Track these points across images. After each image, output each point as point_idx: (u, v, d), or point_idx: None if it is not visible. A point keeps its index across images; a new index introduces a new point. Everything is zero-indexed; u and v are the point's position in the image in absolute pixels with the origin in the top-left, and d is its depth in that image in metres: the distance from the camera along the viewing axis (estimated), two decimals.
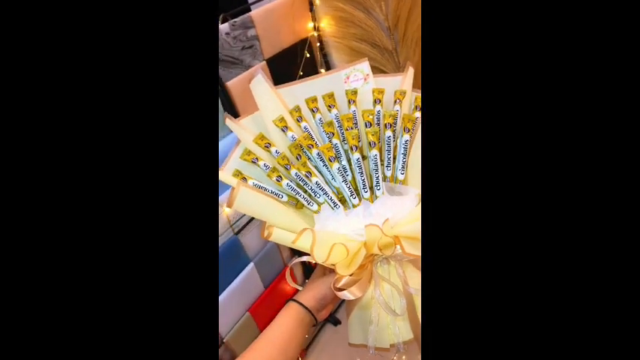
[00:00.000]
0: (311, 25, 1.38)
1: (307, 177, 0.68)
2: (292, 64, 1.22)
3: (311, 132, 0.72)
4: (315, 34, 1.32)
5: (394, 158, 0.70)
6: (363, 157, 0.70)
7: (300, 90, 0.76)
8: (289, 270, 0.75)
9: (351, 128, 0.70)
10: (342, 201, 0.70)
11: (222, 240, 1.14)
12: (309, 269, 1.48)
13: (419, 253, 0.62)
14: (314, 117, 0.73)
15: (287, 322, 0.65)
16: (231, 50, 1.07)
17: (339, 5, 1.30)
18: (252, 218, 1.20)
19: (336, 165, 0.68)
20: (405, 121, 0.69)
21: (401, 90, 0.73)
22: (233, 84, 1.04)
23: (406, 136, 0.68)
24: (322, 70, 1.32)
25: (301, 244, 0.63)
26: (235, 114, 0.99)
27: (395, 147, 0.70)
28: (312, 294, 0.68)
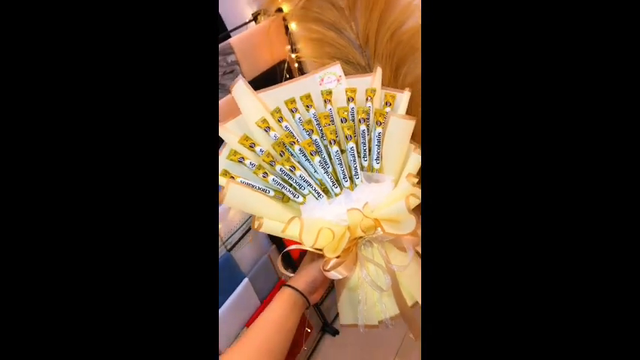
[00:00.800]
0: (288, 47, 1.47)
1: (291, 171, 0.74)
2: (273, 84, 1.35)
3: (292, 130, 0.78)
4: (293, 55, 1.41)
5: (369, 150, 0.76)
6: (342, 151, 0.76)
7: (279, 93, 0.82)
8: (280, 258, 0.80)
9: (329, 124, 0.76)
10: (325, 191, 0.75)
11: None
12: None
13: (398, 232, 0.68)
14: (293, 116, 0.79)
15: (282, 305, 0.69)
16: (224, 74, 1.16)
17: (312, 27, 1.39)
18: (244, 234, 1.25)
19: (317, 158, 0.74)
20: (377, 116, 0.76)
21: (371, 88, 0.80)
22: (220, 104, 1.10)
23: (379, 129, 0.75)
24: None
25: (290, 233, 0.68)
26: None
27: (369, 139, 0.76)
28: (303, 279, 0.73)
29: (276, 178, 0.75)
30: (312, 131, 0.76)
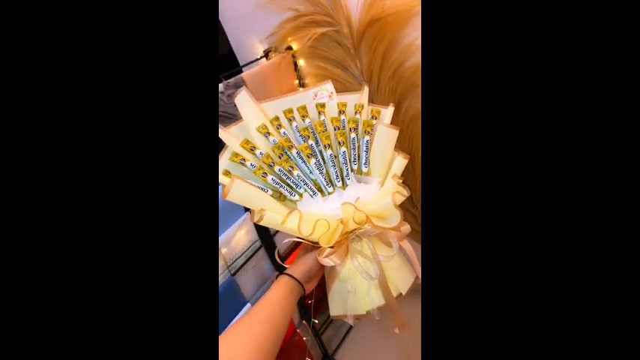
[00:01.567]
0: (296, 82, 1.57)
1: (290, 171, 0.82)
2: None
3: (289, 136, 0.86)
4: (301, 89, 1.52)
5: (358, 155, 0.86)
6: (334, 155, 0.85)
7: (277, 104, 0.91)
8: (277, 251, 0.86)
9: (323, 131, 0.86)
10: (319, 190, 0.83)
11: (220, 281, 1.22)
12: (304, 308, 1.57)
13: (385, 225, 0.76)
14: (291, 124, 0.88)
15: (281, 289, 0.75)
16: (225, 106, 1.24)
17: (319, 64, 1.50)
18: (248, 259, 1.30)
19: (313, 160, 0.82)
20: (365, 126, 0.85)
21: (360, 103, 0.90)
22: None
23: (367, 137, 0.84)
24: None
25: (289, 225, 0.75)
26: None
27: (359, 146, 0.85)
28: (300, 268, 0.80)
29: (274, 178, 0.82)
30: (309, 137, 0.85)
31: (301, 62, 1.50)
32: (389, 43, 1.37)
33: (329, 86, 0.94)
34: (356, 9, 1.38)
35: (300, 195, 0.83)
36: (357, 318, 0.84)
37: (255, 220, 0.77)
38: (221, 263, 1.22)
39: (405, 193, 0.77)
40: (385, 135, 0.82)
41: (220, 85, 1.26)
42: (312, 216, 0.76)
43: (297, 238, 0.79)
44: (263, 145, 0.86)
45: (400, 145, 1.42)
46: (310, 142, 0.84)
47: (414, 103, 1.45)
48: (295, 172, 0.81)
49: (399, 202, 0.75)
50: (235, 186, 0.75)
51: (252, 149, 0.85)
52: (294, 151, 0.83)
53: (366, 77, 1.47)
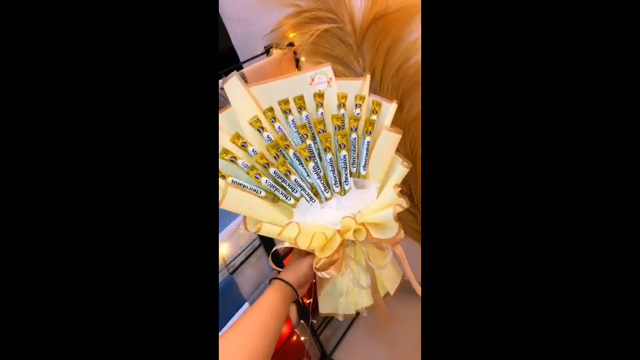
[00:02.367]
0: None
1: (287, 175, 0.77)
2: None
3: (285, 133, 0.80)
4: (297, 72, 1.50)
5: (357, 156, 0.81)
6: (334, 159, 0.80)
7: (271, 89, 0.83)
8: (270, 256, 0.84)
9: (323, 131, 0.80)
10: (316, 194, 0.80)
11: (218, 279, 1.21)
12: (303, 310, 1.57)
13: (382, 237, 0.75)
14: (287, 118, 0.81)
15: (275, 294, 0.75)
16: (226, 103, 1.23)
17: (321, 61, 1.45)
18: (247, 258, 1.29)
19: (311, 164, 0.77)
20: (367, 125, 0.80)
21: (360, 95, 0.84)
22: None
23: (368, 138, 0.80)
24: None
25: (286, 235, 0.72)
26: None
27: (358, 147, 0.81)
28: (293, 273, 0.79)
29: (269, 180, 0.77)
30: (307, 136, 0.79)
31: (302, 59, 1.47)
32: (393, 40, 1.32)
33: (328, 70, 0.86)
34: (359, 5, 1.32)
35: (297, 199, 0.79)
36: (346, 316, 0.88)
37: (252, 231, 0.76)
38: (220, 262, 1.21)
39: (405, 205, 0.75)
40: (388, 139, 0.78)
41: (220, 81, 1.23)
42: (309, 228, 0.74)
43: (290, 245, 0.77)
44: (256, 142, 0.79)
45: (402, 144, 1.40)
46: (308, 141, 0.78)
47: (417, 102, 1.42)
48: (293, 177, 0.77)
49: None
50: (229, 195, 0.71)
51: (243, 145, 0.78)
52: (290, 151, 0.77)
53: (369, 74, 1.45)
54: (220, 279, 1.22)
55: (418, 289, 0.87)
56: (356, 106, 0.83)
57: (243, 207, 0.76)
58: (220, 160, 0.78)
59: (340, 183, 0.80)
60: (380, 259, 0.82)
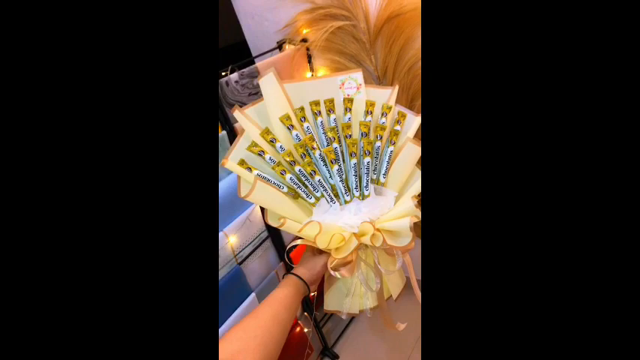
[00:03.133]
0: (309, 74, 1.55)
1: (312, 175, 0.80)
2: None
3: (313, 134, 0.82)
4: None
5: (379, 164, 0.84)
6: (357, 164, 0.83)
7: (303, 88, 0.85)
8: (286, 253, 0.87)
9: (350, 136, 0.82)
10: (336, 196, 0.83)
11: (226, 270, 1.22)
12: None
13: (395, 244, 0.78)
14: (316, 119, 0.83)
15: (288, 288, 0.77)
16: (240, 96, 1.22)
17: (334, 58, 1.46)
18: (254, 250, 1.30)
19: (336, 167, 0.80)
20: (392, 135, 0.83)
21: (387, 105, 0.86)
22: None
23: (391, 147, 0.83)
24: None
25: (306, 233, 0.75)
26: None
27: (381, 155, 0.84)
28: (307, 269, 0.82)
29: (293, 177, 0.80)
30: (334, 139, 0.81)
31: (315, 55, 1.49)
32: (406, 40, 1.34)
33: (358, 76, 0.88)
34: (374, 4, 1.34)
35: (317, 198, 0.82)
36: (350, 315, 0.92)
37: (273, 225, 0.78)
38: (228, 252, 1.22)
39: (420, 216, 0.77)
40: (411, 151, 0.81)
41: (235, 75, 1.21)
42: (329, 229, 0.77)
43: (307, 242, 0.80)
44: (284, 139, 0.82)
45: None
46: (335, 144, 0.80)
47: None
48: (317, 177, 0.80)
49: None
50: (258, 188, 0.73)
51: (272, 141, 0.81)
52: (317, 152, 0.80)
53: (381, 73, 1.45)
54: (228, 269, 1.23)
55: (418, 294, 0.89)
56: (382, 114, 0.86)
57: (268, 201, 0.78)
58: (248, 153, 0.81)
59: (360, 188, 0.83)
60: (389, 264, 0.85)
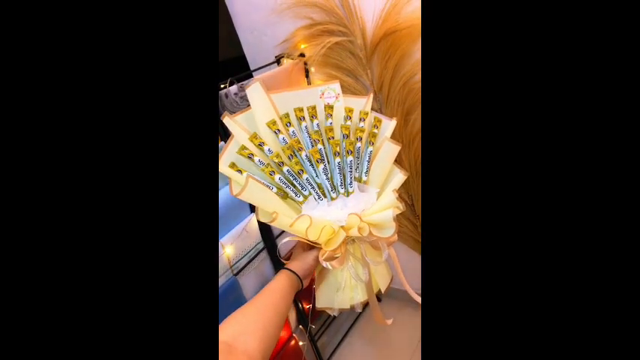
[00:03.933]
0: None
1: (299, 174, 0.84)
2: None
3: (297, 136, 0.88)
4: (309, 86, 1.52)
5: (360, 163, 0.90)
6: (341, 163, 0.88)
7: (288, 97, 0.91)
8: (279, 249, 0.90)
9: (332, 138, 0.88)
10: (323, 194, 0.87)
11: (222, 280, 1.23)
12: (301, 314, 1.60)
13: (380, 235, 0.84)
14: (300, 124, 0.89)
15: (283, 281, 0.80)
16: (239, 108, 1.27)
17: (331, 73, 1.52)
18: (251, 260, 1.33)
19: (322, 166, 0.85)
20: (370, 137, 0.90)
21: (364, 110, 0.94)
22: None
23: (371, 148, 0.90)
24: None
25: (298, 227, 0.79)
26: None
27: (361, 155, 0.90)
28: (299, 264, 0.85)
29: (282, 178, 0.84)
30: (319, 141, 0.87)
31: (312, 69, 1.52)
32: (401, 56, 1.39)
33: (336, 87, 0.95)
34: (371, 21, 1.39)
35: (305, 197, 0.86)
36: (341, 311, 0.94)
37: (266, 221, 0.81)
38: (224, 263, 1.23)
39: (402, 207, 0.84)
40: (389, 149, 0.88)
41: (234, 87, 1.26)
42: (319, 222, 0.81)
43: (297, 237, 0.83)
44: (272, 142, 0.87)
45: (407, 156, 1.49)
46: (320, 146, 0.86)
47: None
48: (305, 176, 0.84)
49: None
50: (250, 186, 0.77)
51: (260, 145, 0.85)
52: (303, 153, 0.85)
53: (377, 87, 1.50)
54: (224, 280, 1.24)
55: (409, 289, 0.96)
56: (360, 119, 0.93)
57: (259, 199, 0.82)
58: (238, 156, 0.85)
59: (345, 185, 0.88)
60: (376, 257, 0.89)
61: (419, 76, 1.40)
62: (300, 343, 1.58)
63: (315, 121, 0.90)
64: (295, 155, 0.85)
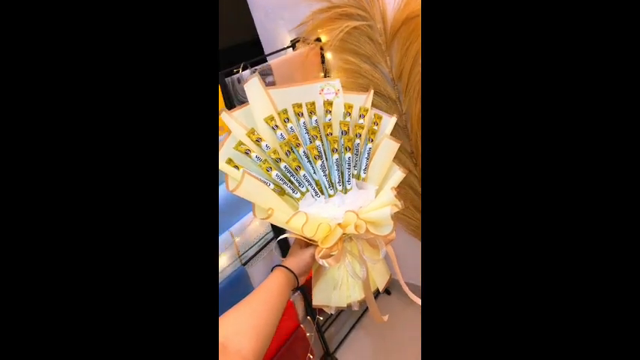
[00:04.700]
0: (322, 74, 1.54)
1: (297, 170, 0.83)
2: None
3: (296, 133, 0.86)
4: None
5: (359, 160, 0.88)
6: (339, 160, 0.87)
7: (286, 93, 0.90)
8: (276, 244, 0.88)
9: (331, 134, 0.87)
10: (321, 191, 0.86)
11: (230, 269, 1.24)
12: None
13: (378, 233, 0.83)
14: (298, 120, 0.88)
15: (279, 278, 0.80)
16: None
17: (348, 59, 1.46)
18: (260, 250, 1.33)
19: (319, 162, 0.84)
20: (369, 133, 0.89)
21: (364, 107, 0.92)
22: None
23: (369, 145, 0.88)
24: None
25: (294, 223, 0.78)
26: None
27: (360, 152, 0.88)
28: (295, 261, 0.84)
29: (279, 174, 0.83)
30: (317, 137, 0.85)
31: (329, 55, 1.47)
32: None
33: (336, 83, 0.93)
34: (392, 5, 1.33)
35: (303, 194, 0.85)
36: (338, 308, 0.93)
37: (261, 218, 0.80)
38: (233, 252, 1.23)
39: (400, 206, 0.82)
40: (389, 146, 0.86)
41: (247, 72, 1.23)
42: (315, 219, 0.80)
43: (294, 234, 0.83)
44: (269, 138, 0.85)
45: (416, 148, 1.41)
46: (317, 142, 0.84)
47: None
48: (302, 172, 0.83)
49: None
50: (245, 181, 0.75)
51: (257, 140, 0.84)
52: (301, 150, 0.84)
53: (396, 75, 1.44)
54: (233, 269, 1.24)
55: (406, 289, 0.95)
56: (360, 116, 0.91)
57: (256, 195, 0.80)
58: (235, 152, 0.84)
59: (343, 182, 0.87)
60: (374, 255, 0.88)
61: None
62: (308, 334, 1.58)
63: (314, 117, 0.88)
64: (293, 151, 0.84)
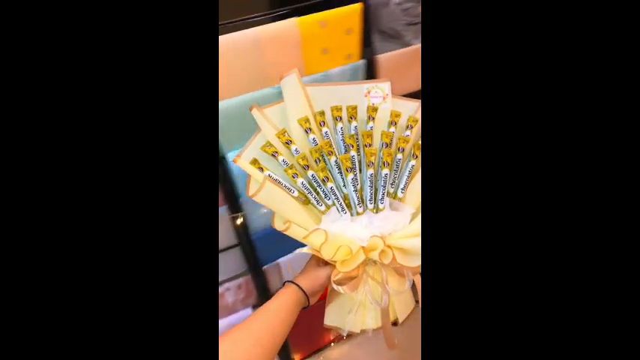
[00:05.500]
0: None
1: (324, 181, 0.76)
2: None
3: (331, 139, 0.79)
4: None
5: (398, 178, 0.79)
6: (374, 175, 0.78)
7: (326, 92, 0.83)
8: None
9: (369, 145, 0.77)
10: (348, 206, 0.78)
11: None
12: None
13: (406, 264, 0.73)
14: (336, 125, 0.80)
15: (287, 299, 0.73)
16: (395, 22, 1.02)
17: None
18: None
19: (351, 175, 0.75)
20: (415, 148, 0.78)
21: (414, 117, 0.81)
22: (385, 58, 1.00)
23: (413, 162, 0.78)
24: None
25: (312, 241, 0.72)
26: None
27: (401, 169, 0.79)
28: (309, 280, 0.78)
29: (304, 182, 0.77)
30: (352, 147, 0.77)
31: None
32: None
33: (385, 86, 0.84)
34: None
35: (328, 207, 0.78)
36: (350, 333, 0.85)
37: (278, 229, 0.75)
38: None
39: None
40: None
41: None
42: (336, 239, 0.73)
43: (312, 250, 0.76)
44: (300, 142, 0.79)
45: None
46: (352, 152, 0.76)
47: None
48: (329, 184, 0.76)
49: None
50: (266, 189, 0.71)
51: (287, 142, 0.78)
52: (332, 159, 0.76)
53: None
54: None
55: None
56: (407, 127, 0.81)
57: (275, 203, 0.75)
58: (262, 152, 0.78)
59: (375, 200, 0.78)
60: (398, 284, 0.79)
61: None
62: None
63: (354, 123, 0.79)
64: (323, 160, 0.77)
